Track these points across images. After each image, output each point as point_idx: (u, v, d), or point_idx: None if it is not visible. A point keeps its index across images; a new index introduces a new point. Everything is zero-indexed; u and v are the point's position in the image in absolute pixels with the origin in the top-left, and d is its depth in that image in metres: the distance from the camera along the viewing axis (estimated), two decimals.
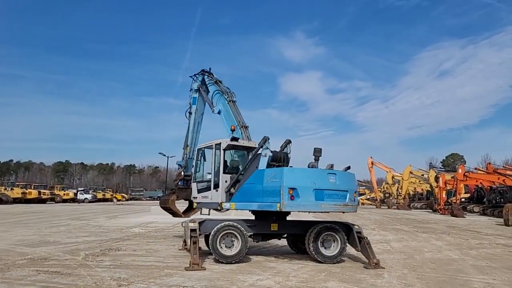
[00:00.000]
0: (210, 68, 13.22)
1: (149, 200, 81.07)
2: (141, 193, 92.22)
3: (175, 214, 13.56)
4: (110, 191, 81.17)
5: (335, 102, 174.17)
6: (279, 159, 10.15)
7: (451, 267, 9.57)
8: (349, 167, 10.06)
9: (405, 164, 64.98)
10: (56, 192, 59.63)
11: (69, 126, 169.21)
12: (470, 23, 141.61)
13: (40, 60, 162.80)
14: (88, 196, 62.41)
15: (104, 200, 66.98)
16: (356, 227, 10.05)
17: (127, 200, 76.90)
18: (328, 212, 9.82)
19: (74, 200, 59.27)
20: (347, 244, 9.83)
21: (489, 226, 23.76)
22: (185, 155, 13.56)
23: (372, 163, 59.43)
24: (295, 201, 9.05)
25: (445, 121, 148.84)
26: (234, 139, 10.66)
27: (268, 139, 10.11)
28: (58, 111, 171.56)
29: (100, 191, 72.85)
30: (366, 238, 9.82)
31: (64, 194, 59.68)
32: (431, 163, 75.15)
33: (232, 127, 11.11)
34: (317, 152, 9.89)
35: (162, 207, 13.90)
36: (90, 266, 8.75)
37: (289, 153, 10.50)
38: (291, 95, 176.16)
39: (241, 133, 11.38)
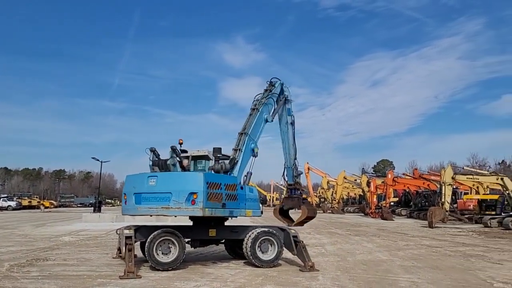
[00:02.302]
0: (273, 79, 12.79)
1: (80, 207, 77.36)
2: (71, 199, 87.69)
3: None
4: (37, 197, 76.49)
5: None
6: (159, 166, 10.17)
7: (380, 267, 10.08)
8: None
9: (340, 169, 67.42)
10: None
11: None
12: (401, 36, 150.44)
13: None
14: (12, 203, 58.27)
15: (30, 207, 62.99)
16: (292, 231, 10.28)
17: (56, 207, 72.83)
18: (144, 215, 9.87)
19: None
20: (284, 248, 10.02)
21: (415, 228, 25.24)
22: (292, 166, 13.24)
23: (308, 169, 61.00)
24: (126, 206, 9.81)
25: (377, 129, 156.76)
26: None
27: (152, 149, 10.30)
28: None
29: (26, 198, 68.39)
30: (302, 242, 10.07)
31: None
32: (363, 168, 78.58)
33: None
34: (216, 152, 10.08)
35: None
36: (15, 277, 8.22)
37: (170, 158, 10.16)
38: (231, 100, 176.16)
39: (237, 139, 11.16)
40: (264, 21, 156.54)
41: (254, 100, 12.09)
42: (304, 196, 13.69)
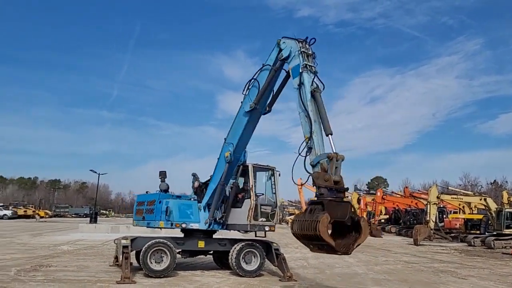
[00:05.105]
0: None
1: (75, 217, 77.73)
2: (66, 209, 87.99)
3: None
4: (32, 207, 76.83)
5: (271, 122, 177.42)
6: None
7: (353, 279, 11.06)
8: None
9: None
10: None
11: None
12: (400, 53, 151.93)
13: None
14: (8, 213, 58.54)
15: (26, 216, 63.17)
16: (274, 244, 11.26)
17: (50, 217, 73.14)
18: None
19: None
20: (266, 259, 10.99)
21: (400, 245, 26.14)
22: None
23: (301, 184, 61.82)
24: None
25: (374, 145, 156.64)
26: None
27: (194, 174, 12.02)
28: None
29: (21, 207, 68.77)
30: (282, 254, 11.05)
31: None
32: (356, 185, 79.34)
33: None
34: (161, 175, 11.88)
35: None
36: (23, 280, 9.16)
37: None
38: (228, 113, 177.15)
39: None
40: (264, 35, 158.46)
41: None
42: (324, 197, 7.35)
